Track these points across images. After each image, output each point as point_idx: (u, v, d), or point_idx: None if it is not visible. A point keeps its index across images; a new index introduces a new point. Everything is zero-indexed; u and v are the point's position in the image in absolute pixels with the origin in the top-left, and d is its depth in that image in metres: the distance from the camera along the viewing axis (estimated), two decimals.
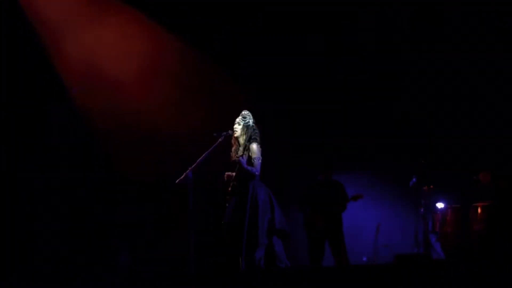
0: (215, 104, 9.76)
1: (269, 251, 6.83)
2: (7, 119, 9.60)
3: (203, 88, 9.90)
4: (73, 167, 9.99)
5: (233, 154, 7.10)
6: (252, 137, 6.99)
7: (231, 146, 7.15)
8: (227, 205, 7.07)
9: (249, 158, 6.92)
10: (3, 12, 9.45)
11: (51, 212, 9.77)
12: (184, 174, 7.10)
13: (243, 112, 7.11)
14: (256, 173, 6.90)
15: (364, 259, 9.82)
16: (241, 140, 7.05)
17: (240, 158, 6.90)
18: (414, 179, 8.40)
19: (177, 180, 7.11)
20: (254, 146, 6.93)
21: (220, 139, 7.06)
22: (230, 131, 7.08)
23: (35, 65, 9.71)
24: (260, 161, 6.92)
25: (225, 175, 7.17)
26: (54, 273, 9.02)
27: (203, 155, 7.09)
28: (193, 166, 7.08)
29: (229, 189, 7.12)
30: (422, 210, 8.25)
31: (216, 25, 9.77)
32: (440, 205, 8.59)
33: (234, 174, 7.08)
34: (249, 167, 6.87)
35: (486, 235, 7.33)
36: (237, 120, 7.09)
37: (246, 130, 7.03)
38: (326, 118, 10.01)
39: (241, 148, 7.02)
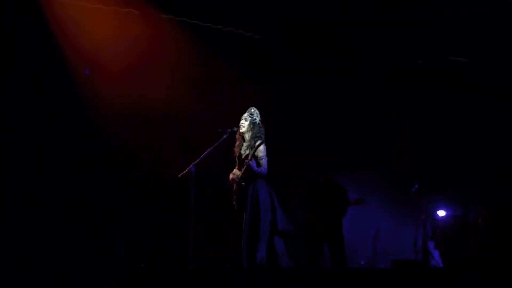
0: (221, 98, 9.77)
1: (271, 250, 6.83)
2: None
3: (210, 82, 9.92)
4: (72, 160, 10.00)
5: (236, 149, 7.09)
6: (258, 135, 6.98)
7: (236, 141, 7.14)
8: (234, 203, 7.07)
9: (255, 157, 6.92)
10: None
11: (46, 204, 9.76)
12: (187, 168, 7.12)
13: (250, 109, 7.10)
14: (265, 172, 6.91)
15: (362, 262, 9.83)
16: (247, 137, 7.03)
17: (250, 162, 6.86)
18: (416, 186, 8.38)
19: (180, 175, 7.13)
20: (261, 146, 6.94)
21: (225, 136, 7.04)
22: (235, 128, 7.07)
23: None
24: (266, 160, 6.92)
25: (230, 177, 7.17)
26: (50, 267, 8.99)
27: (207, 150, 7.10)
28: (196, 161, 7.10)
29: (234, 188, 7.14)
30: (422, 216, 8.25)
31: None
32: (441, 213, 8.60)
33: (237, 173, 7.08)
34: (258, 169, 6.87)
35: (486, 244, 7.34)
36: (244, 116, 7.07)
37: (253, 127, 7.00)
38: (329, 120, 10.01)
39: (247, 146, 7.01)
